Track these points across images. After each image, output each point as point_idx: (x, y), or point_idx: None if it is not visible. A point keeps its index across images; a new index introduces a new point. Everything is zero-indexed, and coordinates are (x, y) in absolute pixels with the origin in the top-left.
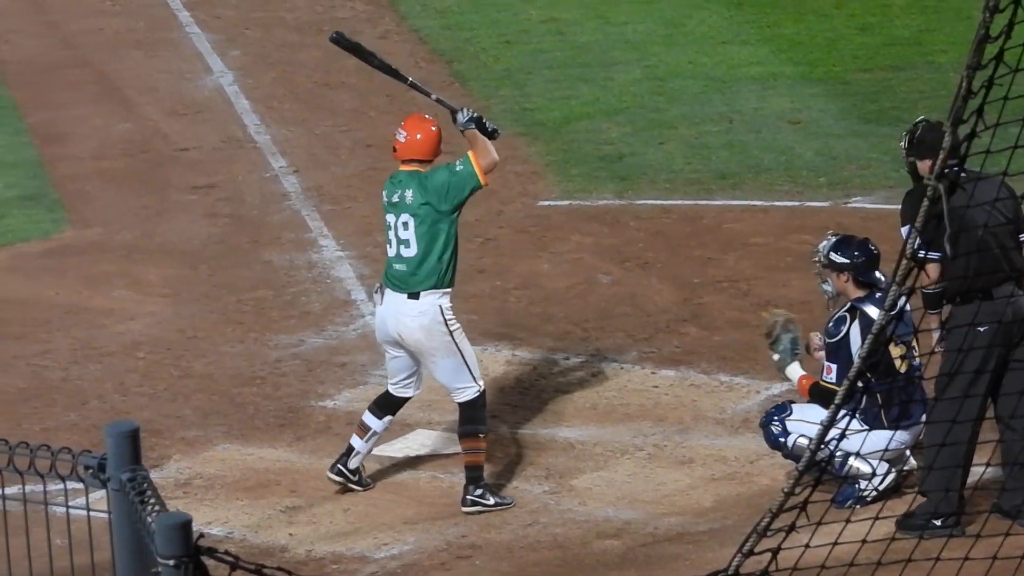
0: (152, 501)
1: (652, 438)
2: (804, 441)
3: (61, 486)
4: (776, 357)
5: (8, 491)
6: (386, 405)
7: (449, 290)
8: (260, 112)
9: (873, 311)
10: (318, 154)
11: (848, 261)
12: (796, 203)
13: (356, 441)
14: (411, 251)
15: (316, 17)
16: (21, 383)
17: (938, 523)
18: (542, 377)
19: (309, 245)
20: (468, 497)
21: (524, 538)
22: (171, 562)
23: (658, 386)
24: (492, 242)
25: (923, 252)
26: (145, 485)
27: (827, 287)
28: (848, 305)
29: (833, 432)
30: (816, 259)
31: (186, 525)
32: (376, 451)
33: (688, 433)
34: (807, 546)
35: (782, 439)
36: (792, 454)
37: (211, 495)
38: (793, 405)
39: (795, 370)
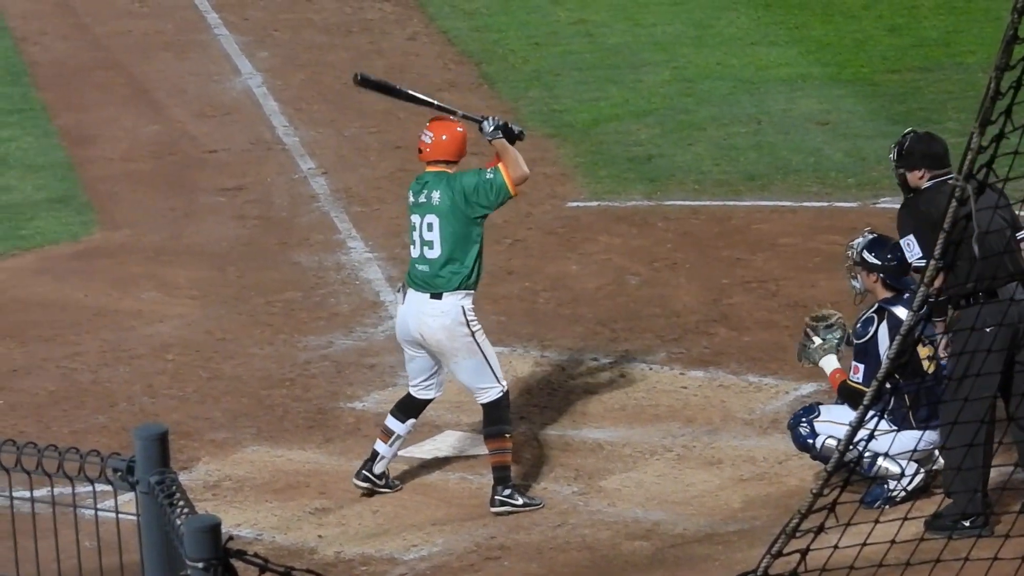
0: (181, 504)
1: (681, 439)
2: (832, 443)
3: (90, 488)
4: (819, 341)
5: (37, 493)
6: (408, 408)
7: (472, 292)
8: (289, 114)
9: (902, 312)
10: (347, 156)
11: (880, 263)
12: (825, 204)
13: (380, 446)
14: (435, 252)
15: (345, 19)
16: (50, 385)
17: (967, 524)
18: (570, 378)
19: (338, 247)
20: (496, 498)
21: (553, 539)
22: (200, 565)
23: (687, 387)
24: (521, 243)
25: (924, 259)
26: (174, 488)
27: (856, 284)
28: (876, 306)
29: (862, 433)
30: (849, 254)
31: (215, 528)
32: (404, 453)
33: (717, 434)
34: (836, 547)
35: (810, 440)
36: (820, 455)
37: (240, 497)
38: (821, 406)
39: (831, 362)
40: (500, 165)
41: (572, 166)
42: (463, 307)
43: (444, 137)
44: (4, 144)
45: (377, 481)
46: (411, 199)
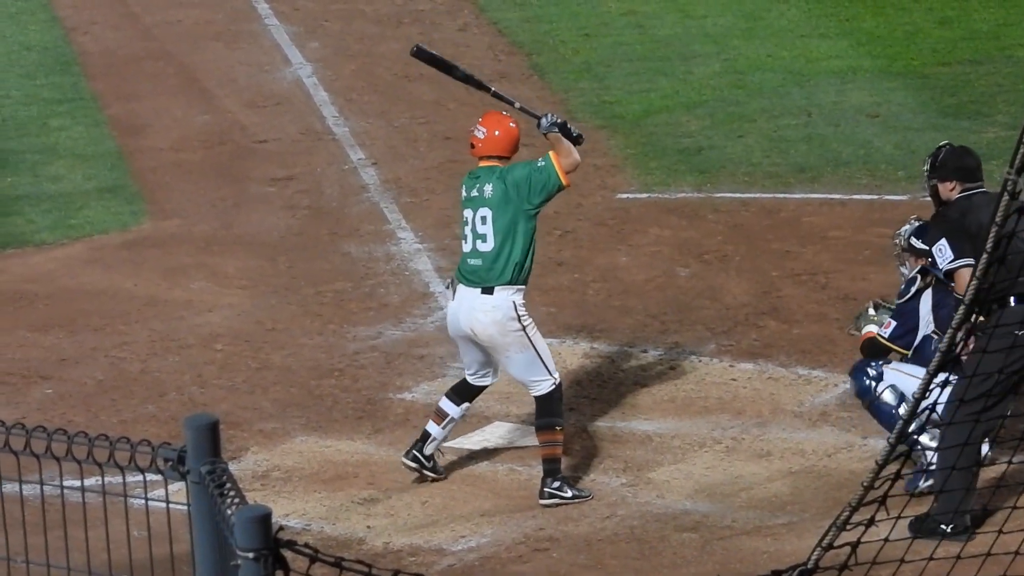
0: (232, 494)
1: (730, 431)
2: (889, 397)
3: (139, 478)
4: (874, 314)
5: (87, 483)
6: (464, 392)
7: (524, 287)
8: (339, 104)
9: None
10: (397, 146)
11: (928, 247)
12: (875, 196)
13: (432, 427)
14: (487, 246)
15: (395, 9)
16: (99, 375)
17: (947, 529)
18: (620, 370)
19: (388, 237)
20: (546, 490)
21: (602, 531)
22: (250, 555)
23: (736, 379)
24: (571, 235)
25: (956, 262)
26: (224, 478)
27: (904, 270)
28: (920, 267)
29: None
30: (896, 242)
31: (266, 518)
32: (454, 443)
33: (766, 426)
34: (886, 540)
35: (873, 384)
36: (876, 404)
37: (289, 487)
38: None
39: (868, 328)
40: (551, 153)
41: (622, 157)
42: (514, 302)
43: (497, 132)
44: (54, 134)
45: (425, 463)
46: (464, 193)
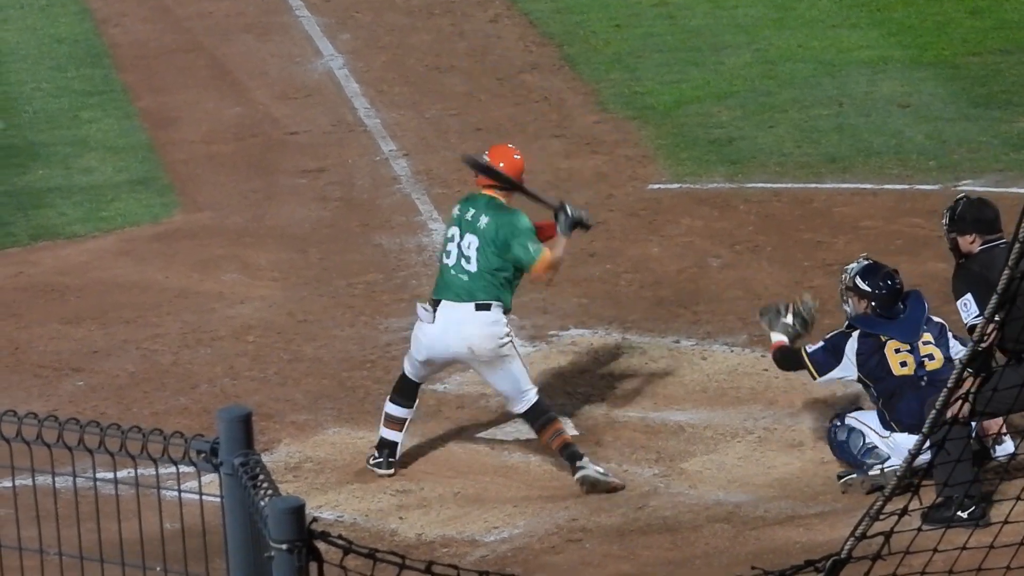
0: (265, 485)
1: (762, 421)
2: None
3: (172, 470)
4: (788, 321)
5: (120, 475)
6: (409, 391)
7: (504, 306)
8: (370, 96)
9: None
10: (428, 138)
11: (871, 290)
12: (906, 187)
13: (390, 433)
14: (472, 267)
15: (426, 0)
16: (131, 367)
17: (964, 515)
18: (652, 360)
19: (419, 228)
20: (579, 472)
21: (634, 521)
22: (284, 546)
23: (768, 369)
24: (602, 225)
25: (979, 317)
26: (258, 469)
27: (847, 308)
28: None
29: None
30: (843, 278)
31: (299, 509)
32: (486, 435)
33: (798, 416)
34: (920, 529)
35: (837, 436)
36: (843, 448)
37: (321, 479)
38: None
39: (779, 337)
40: (545, 253)
41: (654, 148)
42: (504, 320)
43: (501, 165)
44: (85, 126)
45: (388, 470)
46: (457, 212)
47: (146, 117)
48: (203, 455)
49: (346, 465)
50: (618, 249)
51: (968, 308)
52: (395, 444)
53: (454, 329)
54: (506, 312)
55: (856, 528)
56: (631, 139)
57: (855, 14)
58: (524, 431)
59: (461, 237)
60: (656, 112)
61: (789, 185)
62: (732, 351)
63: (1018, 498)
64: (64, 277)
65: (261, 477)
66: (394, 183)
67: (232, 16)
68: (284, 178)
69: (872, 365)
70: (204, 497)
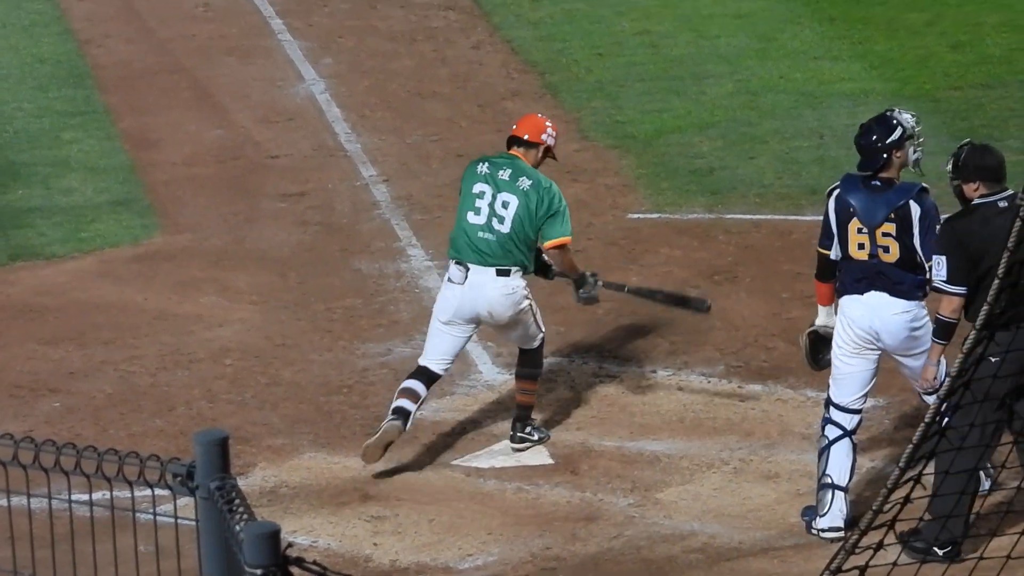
0: (241, 510)
1: (738, 452)
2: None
3: (147, 492)
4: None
5: (95, 497)
6: (424, 377)
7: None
8: (352, 120)
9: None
10: (409, 163)
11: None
12: None
13: (406, 403)
14: (505, 227)
15: (409, 26)
16: (108, 388)
17: (939, 552)
18: (629, 390)
19: (398, 254)
20: (518, 434)
21: (609, 551)
22: (259, 571)
23: (745, 400)
24: (582, 254)
25: (947, 284)
26: (234, 494)
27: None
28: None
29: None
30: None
31: (275, 534)
32: (461, 462)
33: (774, 448)
34: (895, 564)
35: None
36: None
37: (296, 504)
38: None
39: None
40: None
41: (634, 177)
42: (521, 284)
43: (525, 120)
44: (67, 147)
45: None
46: (485, 170)
47: (128, 138)
48: (179, 478)
49: (322, 490)
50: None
51: (939, 268)
52: (408, 413)
53: (477, 292)
54: (527, 273)
55: (832, 561)
56: (612, 168)
57: (837, 46)
58: (500, 458)
59: (494, 196)
60: (637, 141)
61: (769, 216)
62: (709, 381)
63: (913, 531)
64: (43, 297)
65: (237, 501)
66: (374, 208)
67: (215, 39)
68: (265, 201)
69: (839, 233)
70: (179, 520)
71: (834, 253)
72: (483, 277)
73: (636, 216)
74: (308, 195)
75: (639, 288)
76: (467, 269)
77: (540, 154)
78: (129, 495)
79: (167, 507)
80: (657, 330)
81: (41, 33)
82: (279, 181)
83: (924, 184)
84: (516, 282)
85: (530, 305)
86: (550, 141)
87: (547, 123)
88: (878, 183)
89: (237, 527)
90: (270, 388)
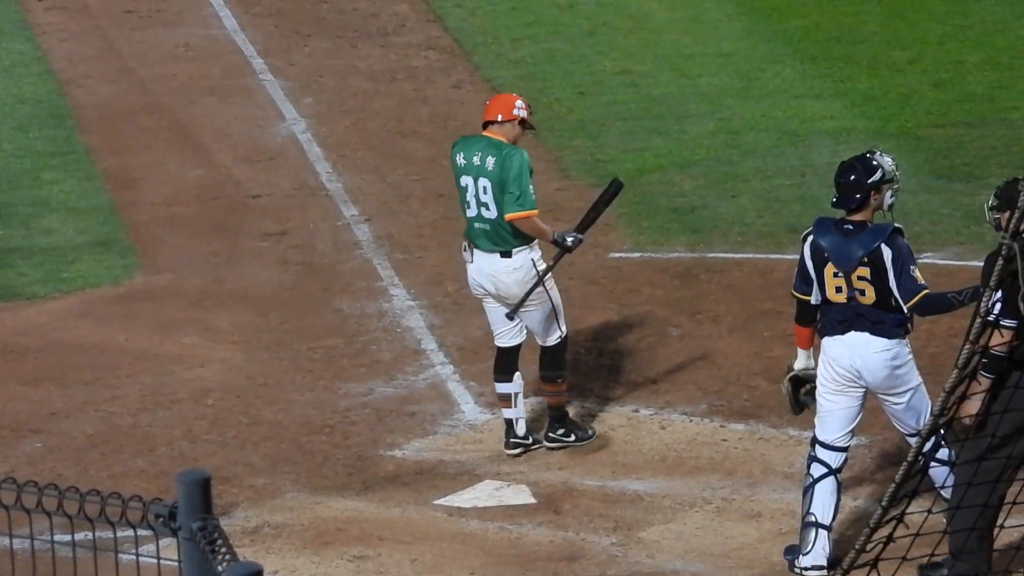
0: (223, 550)
1: (721, 491)
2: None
3: (130, 533)
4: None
5: (77, 537)
6: (505, 365)
7: (536, 241)
8: (332, 160)
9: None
10: (390, 203)
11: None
12: None
13: (508, 412)
14: (492, 213)
15: (390, 66)
16: (90, 429)
17: None
18: (611, 429)
19: (380, 294)
20: (550, 435)
21: None
22: None
23: (727, 439)
24: (563, 293)
25: (999, 317)
26: (216, 534)
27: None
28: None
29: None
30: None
31: (257, 575)
32: (443, 501)
33: (757, 487)
34: None
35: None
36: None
37: (279, 543)
38: None
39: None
40: (535, 210)
41: (615, 216)
42: (532, 260)
43: (495, 101)
44: (47, 187)
45: (527, 442)
46: (463, 160)
47: (108, 178)
48: (161, 519)
49: (304, 530)
50: (578, 317)
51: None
52: (510, 421)
53: (486, 274)
54: (536, 246)
55: None
56: None
57: (819, 85)
58: (483, 498)
59: (475, 184)
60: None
61: (751, 255)
62: (691, 421)
63: (934, 565)
64: (23, 338)
65: (219, 542)
66: (355, 248)
67: (196, 78)
68: (246, 241)
69: (817, 278)
70: (162, 561)
71: (814, 298)
72: (487, 259)
73: (617, 255)
74: (289, 234)
75: (585, 220)
76: (474, 250)
77: (516, 128)
78: (111, 536)
79: (149, 548)
80: (639, 369)
81: (22, 73)
82: (260, 220)
83: (897, 225)
84: (519, 262)
85: (544, 288)
86: (522, 114)
87: (516, 99)
88: (850, 227)
89: (220, 567)
90: (251, 428)
